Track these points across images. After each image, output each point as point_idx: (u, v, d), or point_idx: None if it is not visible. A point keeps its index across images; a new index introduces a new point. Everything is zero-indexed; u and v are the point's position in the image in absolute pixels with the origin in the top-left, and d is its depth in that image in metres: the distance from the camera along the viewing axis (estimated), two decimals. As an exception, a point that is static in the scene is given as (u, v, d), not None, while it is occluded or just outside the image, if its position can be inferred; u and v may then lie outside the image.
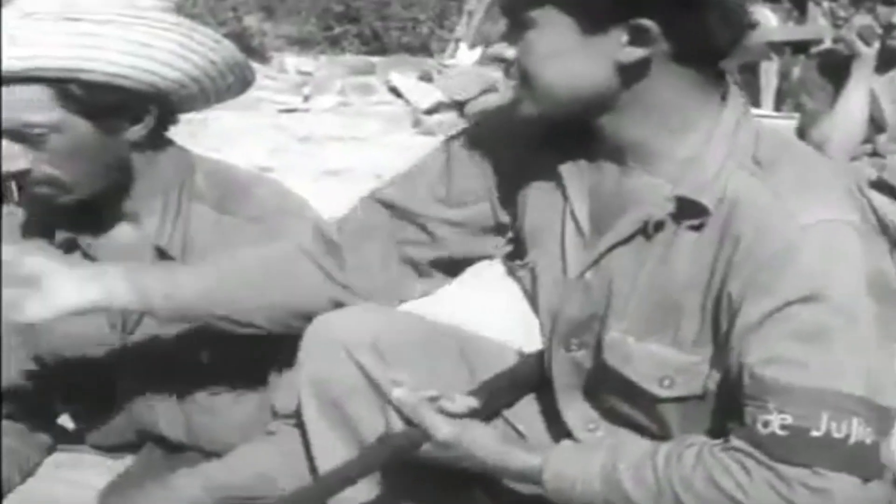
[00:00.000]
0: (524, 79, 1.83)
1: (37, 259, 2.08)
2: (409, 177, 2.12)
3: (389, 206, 2.11)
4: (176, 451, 2.39)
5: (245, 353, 2.24)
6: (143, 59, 2.12)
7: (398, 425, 1.91)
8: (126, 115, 2.19)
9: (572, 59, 1.78)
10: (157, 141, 2.27)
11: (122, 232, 2.31)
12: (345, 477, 1.98)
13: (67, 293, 2.07)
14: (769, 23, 9.62)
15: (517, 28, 1.81)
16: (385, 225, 2.11)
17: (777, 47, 9.58)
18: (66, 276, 2.07)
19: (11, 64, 2.07)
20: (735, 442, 1.70)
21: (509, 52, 1.83)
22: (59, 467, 2.46)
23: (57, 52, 2.08)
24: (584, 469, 1.78)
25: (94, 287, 2.09)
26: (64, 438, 2.52)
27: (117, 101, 2.15)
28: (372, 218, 2.12)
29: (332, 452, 2.05)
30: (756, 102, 8.90)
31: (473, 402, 1.92)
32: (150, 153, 2.26)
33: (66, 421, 2.55)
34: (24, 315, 2.06)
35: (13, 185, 2.29)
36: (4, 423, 2.35)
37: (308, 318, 2.08)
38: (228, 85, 2.26)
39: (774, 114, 8.77)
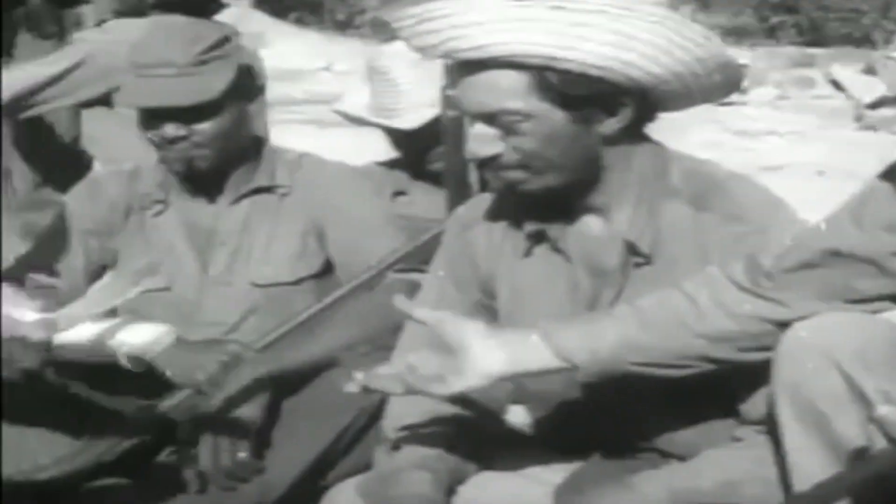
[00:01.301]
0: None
1: (460, 326, 2.11)
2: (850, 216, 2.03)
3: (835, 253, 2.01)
4: (631, 451, 2.32)
5: None
6: (625, 51, 2.09)
7: (881, 442, 1.79)
8: (601, 106, 2.16)
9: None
10: (633, 136, 2.23)
11: (591, 225, 2.27)
12: (820, 497, 1.87)
13: (490, 361, 2.09)
14: None
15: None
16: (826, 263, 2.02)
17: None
18: (487, 344, 2.09)
19: (491, 51, 2.09)
20: None
21: None
22: (505, 459, 2.44)
23: (539, 40, 2.08)
24: None
25: (514, 352, 2.10)
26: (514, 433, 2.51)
27: (594, 92, 2.13)
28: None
29: (809, 460, 1.97)
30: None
31: None
32: (625, 147, 2.22)
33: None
34: (448, 389, 2.11)
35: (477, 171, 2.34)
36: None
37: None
38: (714, 85, 2.19)
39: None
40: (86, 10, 4.24)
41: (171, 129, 2.89)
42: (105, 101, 3.84)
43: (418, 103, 3.36)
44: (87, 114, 4.08)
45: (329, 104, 3.92)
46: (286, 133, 3.20)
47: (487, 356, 2.09)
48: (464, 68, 2.18)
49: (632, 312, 2.11)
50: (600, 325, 2.11)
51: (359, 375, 2.16)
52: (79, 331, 2.39)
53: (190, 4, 3.78)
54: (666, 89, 2.16)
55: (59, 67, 3.85)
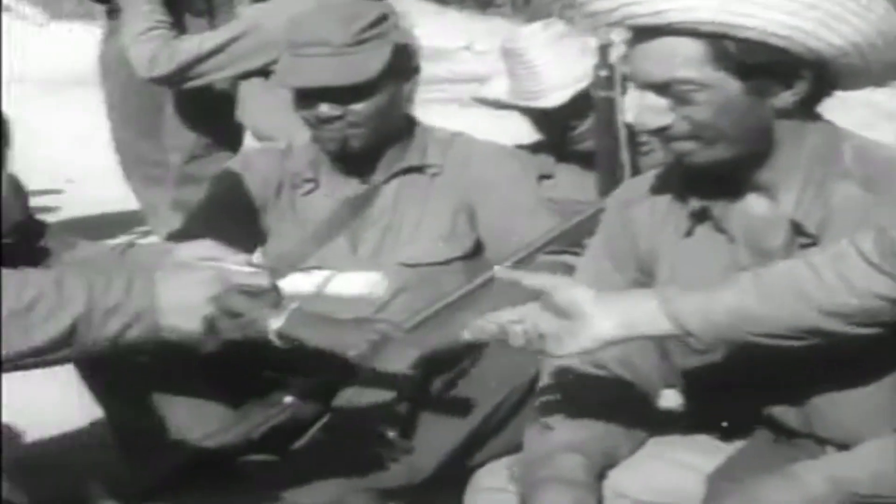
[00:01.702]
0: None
1: (572, 291, 2.08)
2: None
3: None
4: (786, 437, 2.28)
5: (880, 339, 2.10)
6: (807, 20, 2.04)
7: None
8: (778, 78, 2.11)
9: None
10: (807, 112, 2.17)
11: (756, 204, 2.22)
12: None
13: (603, 324, 2.07)
14: None
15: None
16: None
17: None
18: (601, 307, 2.07)
19: (670, 17, 2.06)
20: None
21: None
22: (659, 443, 2.41)
23: (719, 6, 2.04)
24: None
25: (628, 316, 2.08)
26: (667, 417, 2.48)
27: (772, 62, 2.08)
28: None
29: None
30: None
31: None
32: (796, 123, 2.17)
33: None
34: (563, 349, 2.08)
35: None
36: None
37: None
38: (891, 63, 2.14)
39: None
40: None
41: (326, 109, 2.90)
42: (262, 73, 3.87)
43: (557, 83, 3.35)
44: (242, 88, 4.11)
45: (468, 83, 3.91)
46: (427, 112, 3.19)
47: (600, 320, 2.07)
48: (637, 35, 2.15)
49: (753, 281, 2.07)
50: (719, 292, 2.07)
51: (477, 322, 2.14)
52: (294, 282, 2.35)
53: None
54: (844, 62, 2.10)
55: (221, 39, 3.90)
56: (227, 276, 2.14)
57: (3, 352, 1.95)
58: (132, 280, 2.07)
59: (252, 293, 2.15)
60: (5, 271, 1.99)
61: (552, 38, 3.42)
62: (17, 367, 2.00)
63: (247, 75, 3.96)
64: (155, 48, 3.92)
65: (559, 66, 3.36)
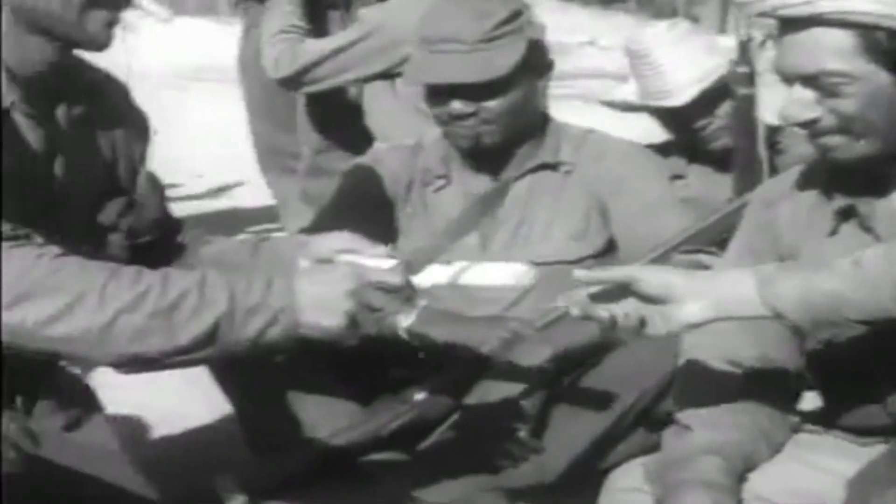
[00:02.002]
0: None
1: (660, 276, 2.08)
2: None
3: None
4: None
5: None
6: None
7: None
8: None
9: None
10: None
11: None
12: None
13: (693, 306, 2.05)
14: None
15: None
16: None
17: None
18: (692, 289, 2.05)
19: (821, 6, 2.04)
20: None
21: None
22: (798, 446, 2.36)
23: None
24: None
25: (721, 297, 2.06)
26: (808, 418, 2.43)
27: None
28: None
29: None
30: None
31: None
32: None
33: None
34: (655, 330, 2.07)
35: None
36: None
37: None
38: None
39: None
40: None
41: (458, 106, 2.88)
42: (386, 76, 3.87)
43: (684, 82, 3.33)
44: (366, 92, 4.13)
45: (592, 79, 3.91)
46: (551, 108, 3.18)
47: (691, 301, 2.05)
48: (785, 26, 2.12)
49: (851, 265, 2.03)
50: (817, 276, 2.03)
51: (575, 295, 2.13)
52: (431, 274, 2.34)
53: None
54: None
55: (344, 41, 3.91)
56: (363, 272, 2.12)
57: (147, 351, 1.96)
58: (271, 279, 2.07)
59: (388, 289, 2.13)
60: (148, 271, 2.00)
61: (678, 37, 3.40)
62: (161, 367, 2.01)
63: (370, 79, 3.96)
64: (281, 50, 3.96)
65: (685, 64, 3.34)
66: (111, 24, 2.15)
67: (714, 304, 2.05)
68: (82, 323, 1.90)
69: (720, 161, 3.34)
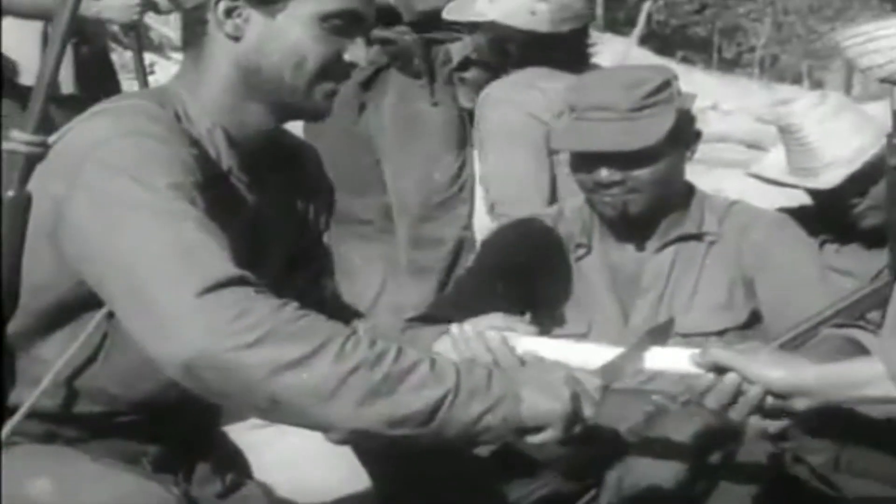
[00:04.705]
0: None
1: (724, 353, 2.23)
2: None
3: None
4: None
5: None
6: None
7: None
8: None
9: None
10: None
11: None
12: None
13: (771, 372, 2.17)
14: None
15: None
16: None
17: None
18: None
19: None
20: None
21: None
22: None
23: None
24: None
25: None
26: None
27: None
28: None
29: None
30: None
31: None
32: None
33: None
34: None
35: None
36: None
37: None
38: None
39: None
40: (451, 48, 4.26)
41: (606, 174, 2.86)
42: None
43: (833, 161, 3.25)
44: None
45: (714, 144, 3.86)
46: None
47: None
48: None
49: None
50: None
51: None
52: (665, 359, 2.30)
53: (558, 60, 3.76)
54: None
55: None
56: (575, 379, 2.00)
57: (369, 416, 1.83)
58: (490, 368, 1.98)
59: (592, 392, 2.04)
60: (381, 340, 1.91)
61: (828, 111, 3.31)
62: (370, 439, 1.89)
63: None
64: None
65: (835, 142, 3.26)
66: (333, 94, 2.12)
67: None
68: (319, 372, 1.81)
69: (868, 237, 3.28)
